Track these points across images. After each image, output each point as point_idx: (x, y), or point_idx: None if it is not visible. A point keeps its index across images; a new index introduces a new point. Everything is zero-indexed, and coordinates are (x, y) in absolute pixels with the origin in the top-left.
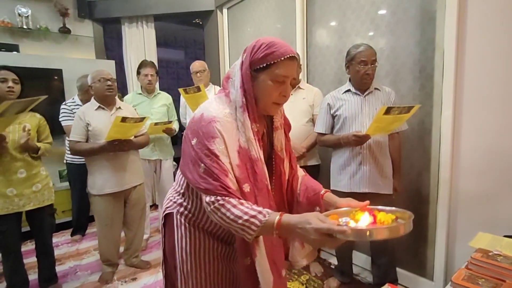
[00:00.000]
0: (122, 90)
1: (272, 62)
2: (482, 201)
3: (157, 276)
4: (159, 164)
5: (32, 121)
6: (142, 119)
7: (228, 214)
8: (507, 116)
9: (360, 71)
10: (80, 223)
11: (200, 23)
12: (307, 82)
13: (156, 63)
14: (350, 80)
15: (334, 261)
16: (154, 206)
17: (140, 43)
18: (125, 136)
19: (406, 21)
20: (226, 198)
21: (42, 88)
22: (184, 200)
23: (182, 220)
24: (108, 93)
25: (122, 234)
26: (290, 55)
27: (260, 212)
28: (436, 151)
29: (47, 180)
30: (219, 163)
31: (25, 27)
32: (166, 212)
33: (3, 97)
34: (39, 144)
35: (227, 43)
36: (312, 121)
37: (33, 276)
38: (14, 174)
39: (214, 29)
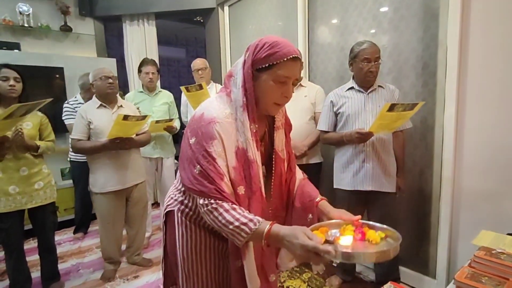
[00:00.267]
0: (124, 88)
1: (275, 63)
2: (485, 199)
3: (159, 274)
4: (160, 162)
5: (33, 119)
6: (144, 117)
7: (220, 218)
8: (510, 114)
9: (364, 69)
10: (82, 221)
11: (201, 21)
12: (309, 80)
13: (157, 61)
14: (353, 77)
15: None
16: (156, 204)
17: (141, 41)
18: (127, 134)
19: (409, 18)
20: (219, 202)
21: (44, 86)
22: (185, 198)
23: (183, 218)
24: (109, 91)
25: (124, 232)
26: (293, 55)
27: (251, 220)
28: (439, 148)
29: (49, 178)
30: (215, 166)
31: (26, 25)
32: (167, 209)
33: (5, 95)
34: (39, 142)
35: (228, 41)
36: (314, 119)
37: (36, 274)
38: (16, 172)
39: (215, 27)
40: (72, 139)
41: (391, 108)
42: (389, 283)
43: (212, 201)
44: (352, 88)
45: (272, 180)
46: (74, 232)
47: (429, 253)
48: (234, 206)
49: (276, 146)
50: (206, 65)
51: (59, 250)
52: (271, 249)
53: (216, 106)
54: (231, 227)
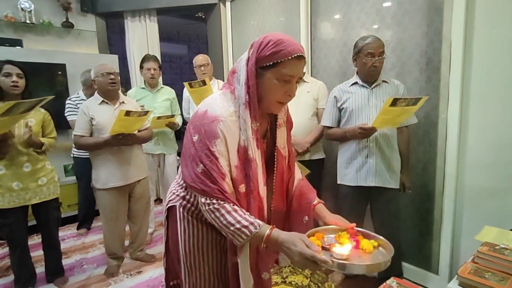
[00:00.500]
0: (126, 85)
1: (279, 61)
2: (489, 195)
3: (162, 269)
4: (162, 159)
5: (36, 116)
6: (145, 113)
7: (221, 219)
8: None
9: (367, 64)
10: (86, 217)
11: (203, 17)
12: (312, 75)
13: (159, 58)
14: (357, 72)
15: None
16: (159, 201)
17: (143, 37)
18: (129, 130)
19: (412, 13)
20: (221, 202)
21: (46, 83)
22: (187, 194)
23: (185, 213)
24: (111, 87)
25: (127, 228)
26: (298, 54)
27: (252, 224)
28: (442, 144)
29: (52, 174)
30: (218, 165)
31: (28, 21)
32: (169, 205)
33: (8, 91)
34: (43, 139)
35: (230, 37)
36: (316, 115)
37: (40, 269)
38: (20, 168)
39: (217, 23)
40: (74, 135)
41: (394, 103)
42: (391, 279)
43: (214, 201)
44: (356, 83)
45: (274, 177)
46: (78, 228)
47: (432, 249)
48: (235, 207)
49: (278, 144)
50: (208, 61)
51: (63, 246)
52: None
53: (219, 103)
54: (232, 228)
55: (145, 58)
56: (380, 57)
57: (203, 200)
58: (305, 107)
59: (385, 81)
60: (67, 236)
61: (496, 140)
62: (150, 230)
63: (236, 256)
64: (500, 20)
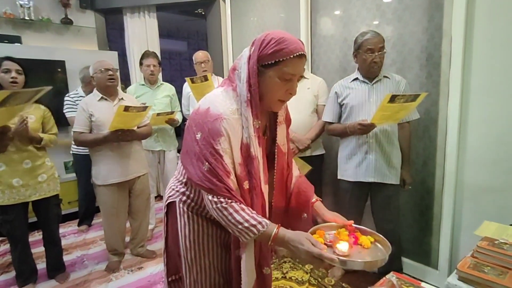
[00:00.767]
0: (125, 81)
1: (281, 59)
2: (488, 190)
3: (162, 265)
4: (162, 155)
5: (36, 112)
6: (144, 108)
7: (230, 217)
8: None
9: (367, 59)
10: (86, 214)
11: (203, 13)
12: (312, 72)
13: (158, 54)
14: (358, 68)
15: None
16: (159, 197)
17: (142, 34)
18: (128, 126)
19: (413, 8)
20: (229, 201)
21: (45, 79)
22: (187, 189)
23: (185, 209)
24: (110, 83)
25: (128, 224)
26: (300, 53)
27: (260, 223)
28: (442, 140)
29: (52, 170)
30: (223, 163)
31: (27, 18)
32: (168, 201)
33: (7, 88)
34: (41, 135)
35: (230, 33)
36: (316, 111)
37: (41, 265)
38: (19, 164)
39: (217, 19)
40: (74, 132)
41: (392, 99)
42: (391, 273)
43: (222, 199)
44: (356, 79)
45: (274, 175)
46: (78, 225)
47: (432, 244)
48: (243, 206)
49: (279, 141)
50: (208, 58)
51: (64, 242)
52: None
53: (222, 101)
54: (240, 227)
55: (145, 55)
56: (380, 53)
57: (210, 197)
58: (305, 104)
59: (386, 77)
60: (68, 232)
61: (496, 136)
62: (150, 226)
63: (239, 249)
64: (501, 16)
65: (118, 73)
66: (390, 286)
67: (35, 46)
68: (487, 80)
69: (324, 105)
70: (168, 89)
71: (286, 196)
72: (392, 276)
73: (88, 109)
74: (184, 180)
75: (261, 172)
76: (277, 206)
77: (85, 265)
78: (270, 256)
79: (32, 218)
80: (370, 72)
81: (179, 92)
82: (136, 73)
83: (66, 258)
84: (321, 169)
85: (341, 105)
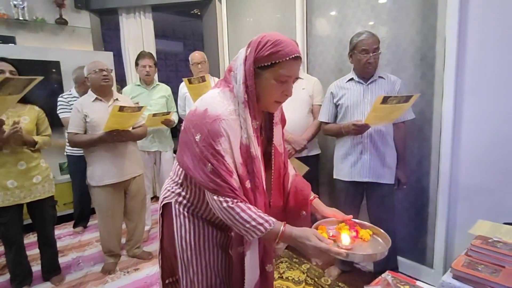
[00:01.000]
0: (121, 82)
1: (277, 61)
2: (482, 189)
3: (158, 266)
4: (158, 156)
5: (31, 113)
6: (139, 108)
7: (237, 217)
8: (508, 105)
9: (362, 60)
10: (82, 215)
11: (199, 13)
12: (307, 72)
13: (154, 55)
14: (354, 69)
15: None
16: (155, 198)
17: (138, 34)
18: (123, 127)
19: (407, 9)
20: (235, 201)
21: (41, 80)
22: (182, 190)
23: (181, 210)
24: (104, 83)
25: (124, 225)
26: (295, 55)
27: (267, 221)
28: (436, 140)
29: (47, 172)
30: (225, 163)
31: (21, 18)
32: (164, 202)
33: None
34: (36, 138)
35: (226, 34)
36: (312, 111)
37: (36, 267)
38: (14, 166)
39: (212, 20)
40: (68, 133)
41: (385, 100)
42: (387, 272)
43: (228, 199)
44: (352, 79)
45: (272, 175)
46: (74, 227)
47: (427, 243)
48: (249, 205)
49: (275, 141)
50: (204, 59)
51: (59, 244)
52: (264, 243)
53: (220, 102)
54: (247, 225)
55: (141, 55)
56: (374, 53)
57: (215, 198)
58: (301, 104)
59: (382, 77)
60: (64, 234)
61: (490, 135)
62: (146, 228)
63: (241, 246)
64: (494, 16)
65: (113, 74)
66: (385, 285)
67: (30, 47)
68: (481, 80)
69: (320, 105)
70: (164, 89)
71: (283, 196)
72: (387, 275)
73: (83, 110)
74: (180, 181)
75: (262, 171)
76: (275, 205)
77: (81, 267)
78: (272, 253)
79: (27, 220)
80: (365, 73)
81: (175, 93)
82: (131, 74)
83: (62, 260)
84: (317, 168)
85: (336, 105)
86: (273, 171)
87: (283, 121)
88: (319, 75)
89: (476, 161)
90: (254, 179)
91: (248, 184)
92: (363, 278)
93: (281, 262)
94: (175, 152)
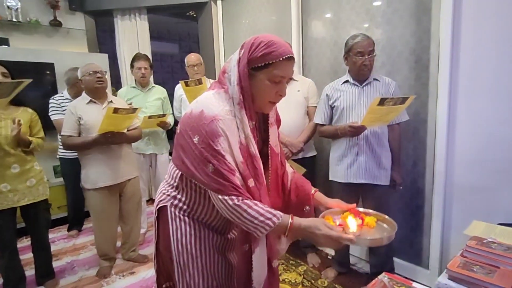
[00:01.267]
0: (116, 84)
1: (271, 62)
2: (477, 190)
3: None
4: (154, 158)
5: (24, 116)
6: (134, 110)
7: (244, 214)
8: (502, 107)
9: (357, 62)
10: (76, 218)
11: (194, 15)
12: (303, 74)
13: (150, 57)
14: (349, 71)
15: (331, 251)
16: (151, 201)
17: (133, 36)
18: (118, 129)
19: (401, 12)
20: (240, 198)
21: (34, 82)
22: (178, 193)
23: (177, 213)
24: (99, 85)
25: (119, 228)
26: (289, 55)
27: (274, 215)
28: (431, 141)
29: (41, 175)
30: (226, 162)
31: (14, 20)
32: (159, 205)
33: None
34: (31, 138)
35: (222, 36)
36: (307, 113)
37: (30, 272)
38: (7, 169)
39: (208, 22)
40: (62, 135)
41: (381, 102)
42: (383, 274)
43: (233, 197)
44: (347, 81)
45: (269, 175)
46: (68, 230)
47: (422, 244)
48: (255, 201)
49: (271, 142)
50: (200, 61)
51: (54, 248)
52: (275, 236)
53: (215, 102)
54: (256, 222)
55: (136, 57)
56: (370, 56)
57: (220, 197)
58: (296, 106)
59: (376, 79)
60: (58, 238)
61: (484, 136)
62: (142, 231)
63: (246, 244)
64: (487, 19)
65: (107, 76)
66: (382, 287)
67: (23, 49)
68: (475, 81)
69: (315, 106)
70: (159, 91)
71: (281, 197)
72: (384, 277)
73: (77, 112)
74: (175, 184)
75: (262, 170)
76: (274, 206)
77: (75, 271)
78: (277, 249)
79: (21, 224)
80: (361, 75)
81: (170, 95)
82: (127, 76)
83: (56, 264)
84: (313, 170)
85: (332, 107)
86: (270, 172)
87: (278, 122)
88: (315, 77)
89: (471, 162)
90: (257, 178)
91: (251, 183)
92: (360, 279)
93: (278, 264)
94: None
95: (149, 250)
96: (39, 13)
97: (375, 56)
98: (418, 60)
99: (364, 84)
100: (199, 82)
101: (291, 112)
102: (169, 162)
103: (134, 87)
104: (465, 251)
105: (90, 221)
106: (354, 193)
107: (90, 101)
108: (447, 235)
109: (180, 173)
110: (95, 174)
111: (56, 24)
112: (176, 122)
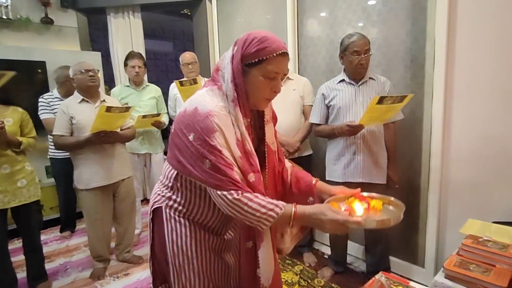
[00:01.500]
0: (110, 83)
1: (265, 58)
2: (472, 188)
3: (149, 271)
4: (149, 158)
5: (14, 115)
6: (127, 109)
7: (246, 208)
8: (496, 105)
9: (354, 61)
10: (68, 219)
11: (189, 13)
12: (299, 73)
13: (144, 55)
14: (344, 70)
15: (327, 251)
16: (145, 201)
17: (126, 34)
18: (111, 128)
19: (397, 11)
20: (239, 192)
21: (25, 81)
22: (173, 194)
23: (172, 214)
24: (91, 84)
25: (113, 229)
26: (282, 51)
27: (276, 205)
28: (427, 140)
29: (32, 175)
30: (223, 157)
31: (4, 17)
32: (154, 206)
33: None
34: (21, 139)
35: (217, 34)
36: (303, 112)
37: (22, 274)
38: None
39: (203, 20)
40: (54, 135)
41: (380, 101)
42: (380, 273)
43: (233, 191)
44: (343, 80)
45: (266, 173)
46: (61, 231)
47: (418, 243)
48: (256, 194)
49: (268, 139)
50: (195, 59)
51: (46, 249)
52: (275, 230)
53: (209, 99)
54: (258, 214)
55: (130, 56)
56: (366, 55)
57: (219, 193)
58: (292, 105)
59: (372, 78)
60: (50, 239)
61: (479, 135)
62: (137, 231)
63: (249, 241)
64: (482, 18)
65: (100, 74)
66: (379, 286)
67: (14, 46)
68: (470, 80)
69: (310, 105)
70: (154, 90)
71: (279, 194)
72: (381, 276)
73: (69, 112)
74: (170, 185)
75: (259, 166)
76: None
77: (68, 273)
78: (276, 241)
79: (12, 225)
80: (356, 74)
81: (165, 94)
82: (120, 74)
83: (48, 266)
84: (310, 169)
85: (328, 107)
86: (267, 169)
87: (274, 119)
88: (310, 76)
89: (466, 160)
90: (256, 174)
91: (251, 178)
92: (356, 279)
93: (286, 255)
94: (165, 153)
95: (144, 251)
96: (30, 10)
97: (371, 55)
98: (413, 59)
99: (360, 83)
100: (194, 81)
101: (287, 111)
102: (164, 162)
103: (128, 86)
104: (461, 249)
105: (83, 222)
106: None
107: (82, 100)
108: (443, 233)
109: (175, 173)
110: (88, 174)
111: (47, 21)
112: (171, 121)
